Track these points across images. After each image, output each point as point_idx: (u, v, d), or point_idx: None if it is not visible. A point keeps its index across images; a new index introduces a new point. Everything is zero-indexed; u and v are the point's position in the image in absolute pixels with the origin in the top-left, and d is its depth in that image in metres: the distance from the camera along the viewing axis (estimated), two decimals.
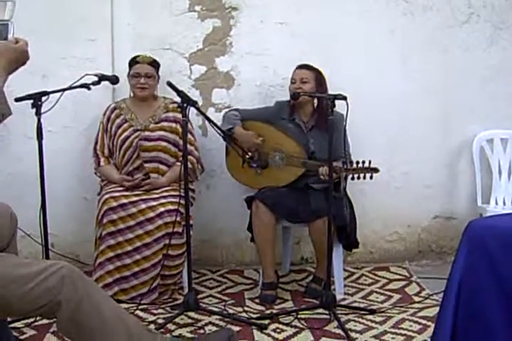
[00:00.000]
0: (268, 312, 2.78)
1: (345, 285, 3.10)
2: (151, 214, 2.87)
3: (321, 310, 2.70)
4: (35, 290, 1.62)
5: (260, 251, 2.99)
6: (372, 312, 2.75)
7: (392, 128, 3.52)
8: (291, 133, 3.06)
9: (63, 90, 2.69)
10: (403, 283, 3.23)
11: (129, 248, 2.85)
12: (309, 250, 3.38)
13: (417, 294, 3.04)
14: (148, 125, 3.12)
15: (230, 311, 2.77)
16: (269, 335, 2.50)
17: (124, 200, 2.90)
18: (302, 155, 2.99)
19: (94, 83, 2.80)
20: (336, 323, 2.57)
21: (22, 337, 2.44)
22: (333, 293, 2.72)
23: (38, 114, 2.59)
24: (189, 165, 2.83)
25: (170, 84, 2.54)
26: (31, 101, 2.59)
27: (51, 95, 2.65)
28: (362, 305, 2.86)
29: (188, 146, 2.90)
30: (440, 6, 3.47)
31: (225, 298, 2.98)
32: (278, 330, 2.56)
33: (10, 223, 2.01)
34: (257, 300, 2.94)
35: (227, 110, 3.26)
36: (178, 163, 3.03)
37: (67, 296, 1.64)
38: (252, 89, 3.44)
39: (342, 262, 3.09)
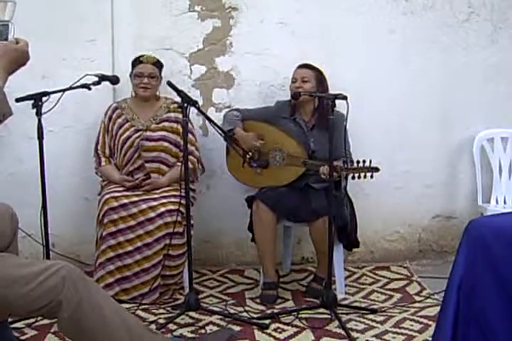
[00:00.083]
0: (269, 311, 2.78)
1: (346, 285, 3.10)
2: (152, 214, 2.87)
3: (321, 310, 2.70)
4: (36, 290, 1.62)
5: (261, 250, 2.99)
6: (373, 311, 2.75)
7: (393, 128, 3.52)
8: (292, 133, 3.06)
9: (64, 90, 2.70)
10: (404, 282, 3.23)
11: (130, 248, 2.85)
12: (310, 250, 3.37)
13: (417, 293, 3.04)
14: (150, 125, 3.12)
15: (231, 311, 2.77)
16: (270, 335, 2.51)
17: (125, 200, 2.90)
18: (303, 155, 2.99)
19: (95, 83, 2.80)
20: (336, 323, 2.58)
21: (23, 338, 2.44)
22: (334, 293, 2.72)
23: (39, 114, 2.59)
24: (190, 166, 2.83)
25: (170, 84, 2.54)
26: (32, 101, 2.60)
27: (52, 95, 2.66)
28: (363, 305, 2.87)
29: (189, 146, 2.90)
30: (440, 5, 3.47)
31: (226, 298, 2.98)
32: (279, 330, 2.56)
33: (11, 223, 2.01)
34: (257, 300, 2.94)
35: (227, 110, 3.26)
36: (179, 163, 3.03)
37: (68, 296, 1.64)
38: (252, 89, 3.44)
39: (343, 262, 3.09)
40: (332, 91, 2.99)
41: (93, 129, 3.25)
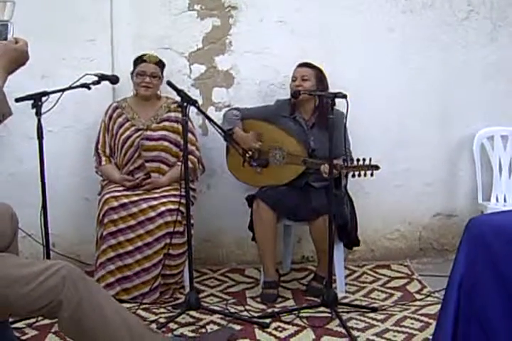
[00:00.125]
0: (269, 310, 2.78)
1: (346, 284, 3.10)
2: (152, 214, 2.87)
3: (322, 309, 2.71)
4: (37, 290, 1.62)
5: (261, 249, 2.99)
6: (374, 310, 2.75)
7: (393, 126, 3.52)
8: (292, 131, 3.06)
9: (63, 90, 2.69)
10: (404, 280, 3.23)
11: (130, 247, 2.85)
12: (310, 248, 3.37)
13: (418, 292, 3.04)
14: (150, 124, 3.12)
15: (232, 310, 2.77)
16: (270, 334, 2.51)
17: (125, 200, 2.90)
18: (303, 154, 2.99)
19: (95, 83, 2.80)
20: (337, 321, 2.57)
21: (24, 338, 2.44)
22: (335, 291, 2.71)
23: (39, 114, 2.59)
24: (190, 165, 2.83)
25: (170, 84, 2.54)
26: (31, 101, 2.59)
27: (51, 95, 2.65)
28: (363, 303, 2.87)
29: (189, 146, 2.91)
30: (439, 3, 3.47)
31: (227, 297, 2.98)
32: (280, 329, 2.56)
33: (11, 223, 2.01)
34: (258, 299, 2.94)
35: (227, 109, 3.26)
36: (179, 163, 3.02)
37: (69, 296, 1.64)
38: (252, 88, 3.44)
39: (343, 260, 3.09)
40: (332, 89, 2.99)
41: (93, 129, 3.25)
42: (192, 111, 2.76)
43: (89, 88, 2.79)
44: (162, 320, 2.63)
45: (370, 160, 2.71)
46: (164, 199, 2.92)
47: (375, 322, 2.62)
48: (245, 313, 2.73)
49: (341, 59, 3.39)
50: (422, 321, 2.61)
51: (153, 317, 2.68)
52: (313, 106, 3.11)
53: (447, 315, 1.84)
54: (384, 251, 3.62)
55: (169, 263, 2.89)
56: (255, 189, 3.10)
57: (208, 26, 3.38)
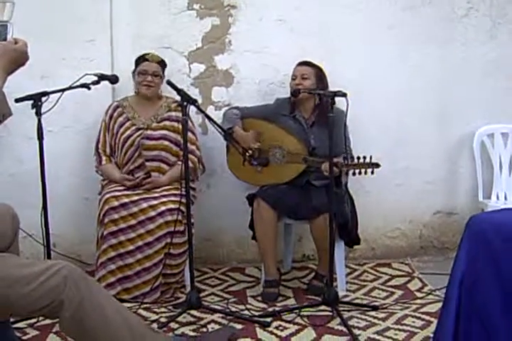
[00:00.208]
0: (270, 309, 2.79)
1: (347, 282, 3.10)
2: (153, 213, 2.87)
3: (323, 307, 2.70)
4: (38, 290, 1.62)
5: (262, 248, 2.99)
6: (375, 308, 2.75)
7: (393, 124, 3.52)
8: (292, 130, 3.06)
9: (63, 90, 2.69)
10: (405, 279, 3.23)
11: (131, 247, 2.85)
12: (311, 247, 3.37)
13: (419, 290, 3.04)
14: (151, 124, 3.12)
15: (233, 309, 2.77)
16: (272, 333, 2.51)
17: (125, 199, 2.90)
18: (303, 152, 2.99)
19: (94, 83, 2.80)
20: (338, 320, 2.57)
21: (25, 338, 2.44)
22: (336, 290, 2.71)
23: (39, 114, 2.59)
24: (190, 165, 2.83)
25: (170, 83, 2.54)
26: (31, 101, 2.59)
27: (51, 95, 2.65)
28: (364, 302, 2.87)
29: (190, 145, 2.91)
30: (438, 1, 3.46)
31: (227, 296, 2.98)
32: (281, 328, 2.56)
33: (12, 224, 2.01)
34: (259, 298, 2.94)
35: (227, 108, 3.26)
36: (180, 162, 3.02)
37: (70, 296, 1.64)
38: (252, 87, 3.44)
39: (344, 259, 3.08)
40: (332, 88, 2.99)
41: (93, 129, 3.25)
42: (192, 110, 2.76)
43: (89, 88, 2.79)
44: (163, 320, 2.63)
45: (371, 158, 2.70)
46: (164, 199, 2.92)
47: (376, 321, 2.62)
48: (246, 312, 2.73)
49: (341, 57, 3.39)
50: (423, 319, 2.61)
51: (154, 317, 2.68)
52: (313, 105, 3.11)
53: (448, 312, 1.84)
54: (384, 250, 3.62)
55: (170, 263, 2.89)
56: (256, 188, 3.10)
57: (208, 25, 3.38)
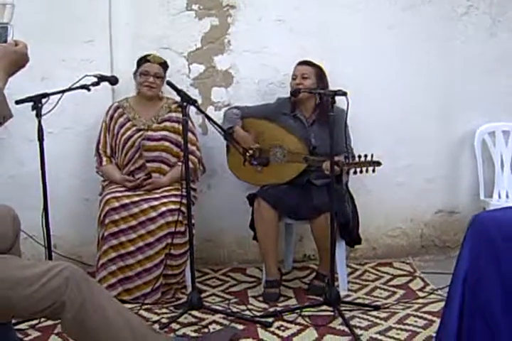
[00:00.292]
0: (272, 309, 2.78)
1: (348, 282, 3.10)
2: (153, 214, 2.87)
3: (325, 307, 2.70)
4: (39, 291, 1.62)
5: (263, 248, 2.99)
6: (377, 308, 2.75)
7: (393, 122, 3.51)
8: (292, 129, 3.06)
9: (63, 92, 2.69)
10: (407, 278, 3.23)
11: (132, 248, 2.85)
12: (312, 247, 3.37)
13: (421, 289, 3.03)
14: (151, 125, 3.12)
15: (234, 309, 2.77)
16: (273, 333, 2.50)
17: (126, 200, 2.90)
18: (304, 151, 2.99)
19: (94, 84, 2.79)
20: (340, 320, 2.57)
21: (26, 339, 2.44)
22: (337, 290, 2.70)
23: (39, 115, 2.58)
24: (190, 165, 2.82)
25: (170, 84, 2.54)
26: (31, 103, 2.59)
27: (51, 97, 2.64)
28: (366, 302, 2.86)
29: (190, 146, 2.91)
30: None
31: (229, 297, 2.98)
32: (282, 328, 2.56)
33: (13, 225, 2.01)
34: (260, 298, 2.94)
35: (227, 108, 3.26)
36: (180, 163, 3.02)
37: (71, 297, 1.64)
38: (251, 87, 3.43)
39: (345, 258, 3.08)
40: (332, 87, 2.99)
41: (93, 130, 3.25)
42: (192, 110, 2.75)
43: (89, 89, 2.78)
44: (164, 321, 2.63)
45: (372, 156, 2.70)
46: (165, 200, 2.92)
47: (378, 321, 2.61)
48: (247, 313, 2.73)
49: (341, 57, 3.38)
50: (425, 319, 2.61)
51: (155, 318, 2.68)
52: (313, 105, 3.11)
53: (452, 310, 1.84)
54: (386, 249, 3.62)
55: (171, 263, 2.89)
56: (256, 188, 3.10)
57: (207, 26, 3.38)
